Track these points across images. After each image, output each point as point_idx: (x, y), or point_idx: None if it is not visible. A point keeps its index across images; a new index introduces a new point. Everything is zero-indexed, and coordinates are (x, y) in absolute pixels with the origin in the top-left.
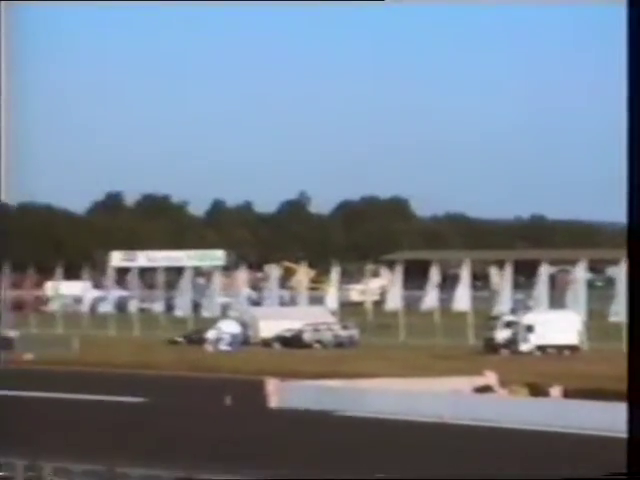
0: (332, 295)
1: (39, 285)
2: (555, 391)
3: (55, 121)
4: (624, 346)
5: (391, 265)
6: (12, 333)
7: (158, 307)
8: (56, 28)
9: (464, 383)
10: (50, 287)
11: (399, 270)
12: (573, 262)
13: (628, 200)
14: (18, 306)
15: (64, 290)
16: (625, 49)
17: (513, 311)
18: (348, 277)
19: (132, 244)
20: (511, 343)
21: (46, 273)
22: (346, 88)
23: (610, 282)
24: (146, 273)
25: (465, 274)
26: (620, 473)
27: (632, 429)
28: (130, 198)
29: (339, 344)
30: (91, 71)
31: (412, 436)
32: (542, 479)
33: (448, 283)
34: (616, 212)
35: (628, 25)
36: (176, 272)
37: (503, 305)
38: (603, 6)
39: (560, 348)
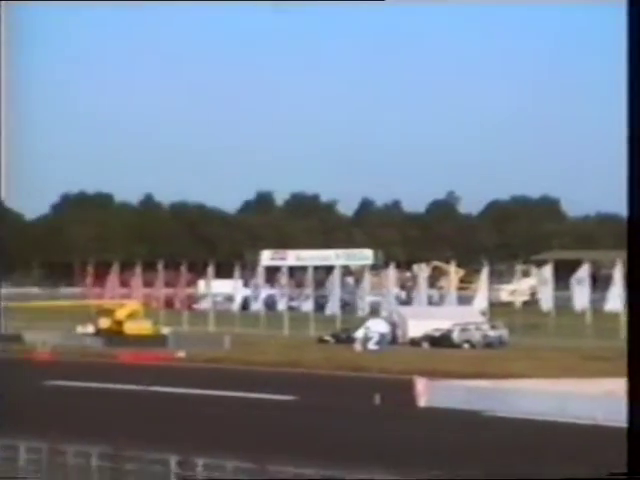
0: (482, 295)
1: (191, 283)
2: None
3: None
4: None
5: (541, 265)
6: (165, 330)
7: (307, 306)
8: (56, 28)
9: (616, 385)
10: (202, 285)
11: (550, 270)
12: None
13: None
14: (171, 304)
15: (215, 288)
16: (625, 49)
17: None
18: (498, 277)
19: (282, 243)
20: None
21: (198, 271)
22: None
23: None
24: (295, 272)
25: (618, 274)
26: (620, 473)
27: (632, 429)
28: (280, 197)
29: (488, 344)
30: (94, 70)
31: (564, 437)
32: (541, 479)
33: (600, 284)
34: None
35: (628, 25)
36: (325, 271)
37: None
38: (603, 6)
39: None
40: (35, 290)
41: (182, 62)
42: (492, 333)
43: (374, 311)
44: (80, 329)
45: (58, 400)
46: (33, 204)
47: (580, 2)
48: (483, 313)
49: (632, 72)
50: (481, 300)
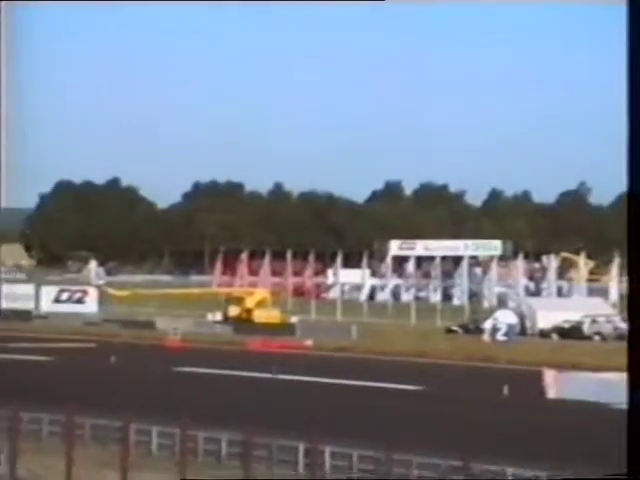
0: (613, 287)
1: (319, 272)
2: None
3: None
4: None
5: None
6: (293, 319)
7: (435, 296)
8: (56, 28)
9: None
10: (330, 274)
11: None
12: None
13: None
14: (299, 293)
15: (343, 278)
16: (625, 49)
17: None
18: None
19: (410, 233)
20: None
21: (326, 261)
22: None
23: None
24: (423, 262)
25: None
26: (620, 473)
27: (632, 429)
28: (409, 187)
29: (619, 336)
30: (94, 70)
31: None
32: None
33: None
34: None
35: (628, 25)
36: (452, 261)
37: None
38: (603, 6)
39: None
40: (166, 278)
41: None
42: (624, 325)
43: (502, 302)
44: (210, 317)
45: (188, 386)
46: (165, 193)
47: (580, 2)
48: (614, 305)
49: (632, 72)
50: (613, 292)
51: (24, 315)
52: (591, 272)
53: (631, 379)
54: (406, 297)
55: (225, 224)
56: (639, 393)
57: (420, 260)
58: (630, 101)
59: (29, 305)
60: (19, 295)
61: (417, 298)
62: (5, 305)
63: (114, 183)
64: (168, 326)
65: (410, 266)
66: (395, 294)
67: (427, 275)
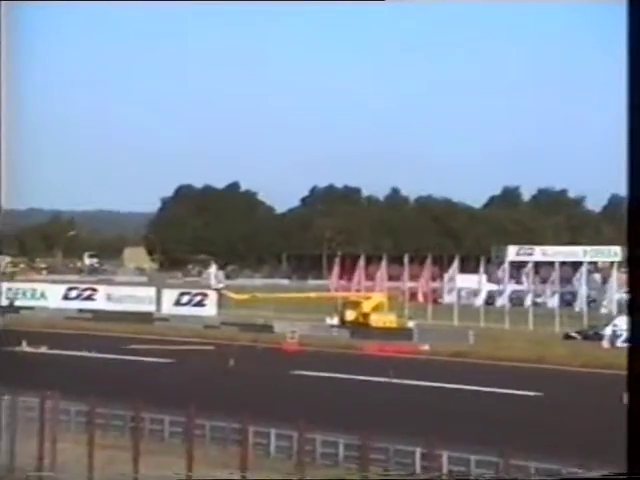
0: None
1: (436, 277)
2: None
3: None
4: None
5: None
6: (410, 324)
7: (553, 302)
8: (56, 28)
9: None
10: (447, 279)
11: None
12: None
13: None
14: (415, 297)
15: (460, 283)
16: (625, 49)
17: None
18: None
19: (528, 238)
20: None
21: (443, 265)
22: None
23: None
24: (541, 267)
25: None
26: (620, 473)
27: (632, 429)
28: (527, 193)
29: None
30: (94, 69)
31: None
32: (541, 479)
33: None
34: None
35: (628, 25)
36: (571, 267)
37: None
38: (603, 6)
39: None
40: (284, 281)
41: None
42: None
43: (622, 309)
44: (328, 320)
45: (305, 389)
46: (284, 197)
47: (580, 2)
48: None
49: (632, 72)
50: None
51: (145, 317)
52: None
53: (631, 379)
54: (526, 302)
55: (342, 228)
56: (639, 394)
57: (538, 266)
58: (630, 101)
59: (150, 308)
60: (141, 298)
61: (535, 304)
62: (127, 307)
63: (233, 187)
64: (286, 329)
65: (528, 271)
66: (514, 300)
67: (545, 281)
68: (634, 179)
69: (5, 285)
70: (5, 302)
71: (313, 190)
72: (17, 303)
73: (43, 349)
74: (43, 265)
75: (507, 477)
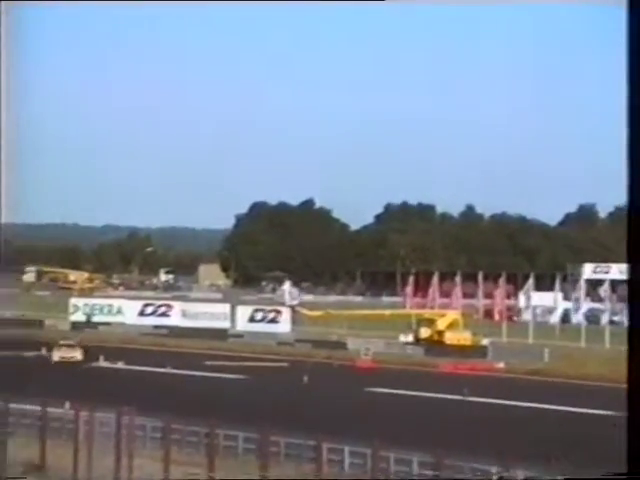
0: None
1: (511, 295)
2: None
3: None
4: None
5: None
6: (485, 341)
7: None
8: (56, 28)
9: None
10: (522, 297)
11: None
12: None
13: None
14: (491, 315)
15: (535, 300)
16: (625, 49)
17: None
18: None
19: (604, 256)
20: None
21: (517, 283)
22: None
23: None
24: (617, 285)
25: None
26: (620, 473)
27: (632, 429)
28: (603, 210)
29: None
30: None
31: None
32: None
33: None
34: None
35: (628, 25)
36: None
37: None
38: (603, 6)
39: None
40: (358, 299)
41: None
42: None
43: None
44: (402, 338)
45: (379, 407)
46: (358, 214)
47: (581, 2)
48: None
49: (632, 72)
50: None
51: (220, 334)
52: None
53: (631, 380)
54: (603, 320)
55: (417, 246)
56: (639, 394)
57: (615, 284)
58: (630, 102)
59: (225, 324)
60: (215, 314)
61: (612, 322)
62: (202, 324)
63: (308, 204)
64: (360, 347)
65: (605, 289)
66: (591, 318)
67: (622, 299)
68: (634, 183)
69: (83, 301)
70: (83, 318)
71: (387, 207)
72: (95, 319)
73: (120, 365)
74: (120, 281)
75: (508, 477)
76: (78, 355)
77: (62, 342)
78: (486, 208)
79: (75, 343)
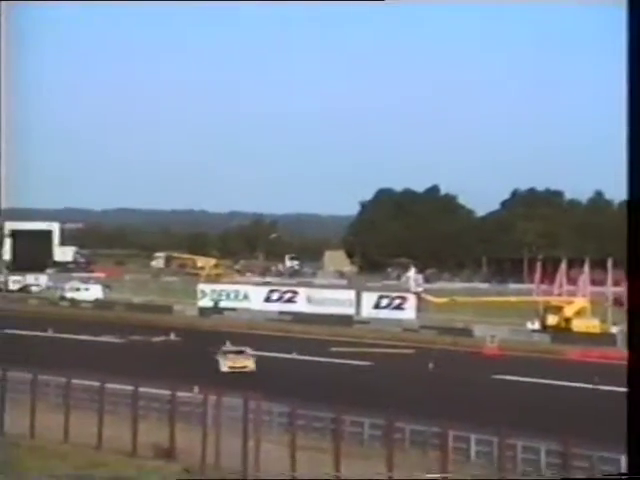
0: None
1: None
2: None
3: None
4: None
5: None
6: (614, 329)
7: None
8: (56, 28)
9: None
10: None
11: None
12: None
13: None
14: (620, 302)
15: None
16: (625, 49)
17: None
18: None
19: None
20: None
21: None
22: None
23: None
24: None
25: None
26: (620, 473)
27: (632, 429)
28: None
29: None
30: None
31: None
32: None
33: None
34: None
35: (628, 25)
36: None
37: None
38: (603, 6)
39: None
40: (484, 285)
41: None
42: None
43: None
44: (528, 325)
45: (506, 394)
46: (484, 201)
47: (581, 2)
48: None
49: (632, 72)
50: None
51: (345, 320)
52: None
53: (630, 380)
54: None
55: (544, 232)
56: (638, 394)
57: None
58: (630, 101)
59: (350, 310)
60: (341, 300)
61: None
62: (327, 310)
63: (433, 190)
64: (485, 334)
65: None
66: None
67: None
68: (634, 179)
69: (210, 287)
70: (210, 303)
71: (514, 193)
72: (221, 304)
73: (247, 350)
74: (246, 267)
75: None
76: (251, 364)
77: (226, 348)
78: (615, 194)
79: (244, 349)
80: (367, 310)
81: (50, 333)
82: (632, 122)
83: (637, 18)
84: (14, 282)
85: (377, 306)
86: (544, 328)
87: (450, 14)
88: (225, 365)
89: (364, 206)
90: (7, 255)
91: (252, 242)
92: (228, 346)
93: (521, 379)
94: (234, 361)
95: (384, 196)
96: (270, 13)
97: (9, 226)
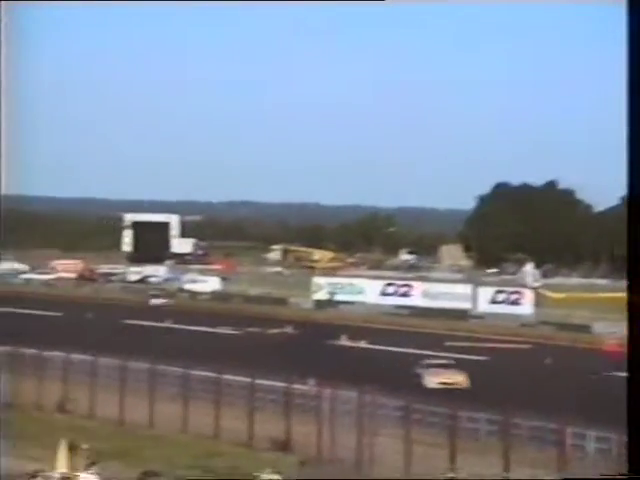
0: None
1: None
2: None
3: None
4: None
5: None
6: None
7: None
8: (56, 28)
9: None
10: None
11: None
12: None
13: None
14: None
15: None
16: (625, 49)
17: None
18: None
19: None
20: None
21: None
22: None
23: None
24: None
25: None
26: (620, 473)
27: (632, 429)
28: None
29: None
30: (95, 69)
31: None
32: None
33: None
34: None
35: (628, 25)
36: None
37: None
38: (603, 6)
39: None
40: (602, 281)
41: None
42: None
43: None
44: None
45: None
46: (603, 196)
47: (581, 2)
48: None
49: (632, 72)
50: None
51: (461, 315)
52: None
53: (630, 380)
54: None
55: None
56: (638, 394)
57: None
58: (630, 101)
59: (466, 305)
60: (457, 295)
61: None
62: (443, 304)
63: (551, 185)
64: (605, 330)
65: None
66: None
67: None
68: (634, 178)
69: (326, 280)
70: (326, 296)
71: None
72: (337, 297)
73: (362, 344)
74: (361, 261)
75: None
76: (462, 380)
77: (430, 361)
78: None
79: (452, 362)
80: (483, 305)
81: (168, 324)
82: (632, 121)
83: (637, 17)
84: (134, 273)
85: (493, 301)
86: None
87: (452, 14)
88: (432, 382)
89: (482, 200)
90: (127, 246)
91: (369, 235)
92: (433, 360)
93: None
94: (443, 376)
95: (501, 190)
96: (270, 13)
97: (129, 218)
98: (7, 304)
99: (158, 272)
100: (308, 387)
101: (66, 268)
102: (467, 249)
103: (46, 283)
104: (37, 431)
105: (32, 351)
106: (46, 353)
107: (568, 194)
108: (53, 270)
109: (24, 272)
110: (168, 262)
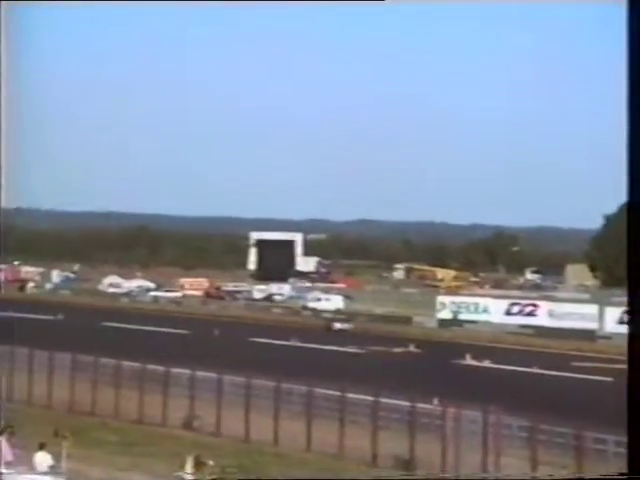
0: None
1: None
2: None
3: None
4: None
5: None
6: None
7: None
8: (56, 28)
9: None
10: None
11: None
12: None
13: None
14: None
15: None
16: (625, 49)
17: None
18: None
19: None
20: None
21: None
22: None
23: None
24: None
25: None
26: (620, 473)
27: (632, 429)
28: None
29: None
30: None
31: None
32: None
33: None
34: None
35: (628, 25)
36: None
37: None
38: (603, 6)
39: None
40: None
41: None
42: None
43: None
44: None
45: None
46: None
47: (581, 2)
48: None
49: (632, 72)
50: None
51: (588, 335)
52: None
53: (631, 379)
54: None
55: None
56: (638, 393)
57: None
58: (630, 100)
59: (593, 325)
60: (583, 315)
61: None
62: (569, 324)
63: None
64: None
65: None
66: None
67: None
68: (633, 181)
69: (450, 299)
70: (450, 315)
71: None
72: (461, 317)
73: (486, 363)
74: (485, 280)
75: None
76: None
77: None
78: None
79: None
80: (611, 325)
81: (293, 342)
82: (632, 121)
83: (637, 17)
84: (259, 291)
85: (621, 321)
86: None
87: (454, 14)
88: None
89: (608, 219)
90: (252, 264)
91: (493, 254)
92: None
93: None
94: None
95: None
96: (270, 13)
97: (255, 236)
98: (136, 322)
99: (283, 290)
100: (432, 406)
101: (193, 286)
102: (593, 269)
103: (173, 300)
104: (162, 447)
105: (159, 368)
106: (174, 370)
107: None
108: (180, 288)
109: (152, 289)
110: (292, 280)
